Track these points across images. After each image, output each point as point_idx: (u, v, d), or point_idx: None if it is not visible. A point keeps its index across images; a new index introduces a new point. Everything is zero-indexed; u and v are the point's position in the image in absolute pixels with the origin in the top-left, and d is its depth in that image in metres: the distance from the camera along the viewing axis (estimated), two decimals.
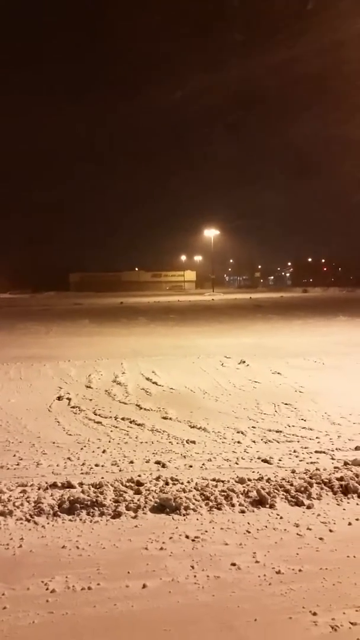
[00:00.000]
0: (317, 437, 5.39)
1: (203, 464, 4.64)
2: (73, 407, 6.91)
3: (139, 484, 4.13)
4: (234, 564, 3.03)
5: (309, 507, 3.76)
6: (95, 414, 6.54)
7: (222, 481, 4.16)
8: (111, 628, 2.50)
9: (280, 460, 4.71)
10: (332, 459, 4.73)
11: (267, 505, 3.78)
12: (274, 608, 2.63)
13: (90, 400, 7.35)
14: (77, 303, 41.86)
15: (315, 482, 4.10)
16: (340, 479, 4.13)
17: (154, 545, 3.26)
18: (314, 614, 2.58)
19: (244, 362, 10.27)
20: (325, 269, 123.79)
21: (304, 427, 5.77)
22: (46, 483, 4.19)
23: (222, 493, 3.93)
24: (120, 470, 4.53)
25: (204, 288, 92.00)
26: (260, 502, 3.82)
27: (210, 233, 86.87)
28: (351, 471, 4.32)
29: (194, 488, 4.03)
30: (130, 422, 6.12)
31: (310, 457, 4.78)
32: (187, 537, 3.36)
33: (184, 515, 3.66)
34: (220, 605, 2.66)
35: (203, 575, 2.93)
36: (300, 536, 3.36)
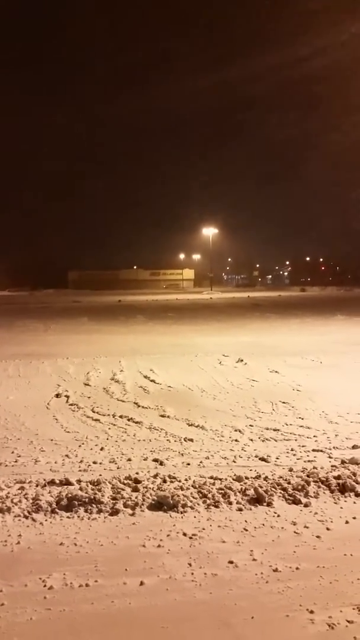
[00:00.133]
0: (314, 436, 5.40)
1: (201, 462, 4.65)
2: (71, 405, 6.91)
3: (137, 481, 4.14)
4: (231, 562, 3.04)
5: (306, 506, 3.77)
6: (94, 412, 6.54)
7: (220, 479, 4.17)
8: (109, 625, 2.51)
9: (277, 458, 4.72)
10: (330, 457, 4.74)
11: (265, 504, 3.79)
12: (271, 606, 2.64)
13: (89, 397, 7.35)
14: (75, 301, 41.84)
15: (312, 480, 4.11)
16: (338, 477, 4.14)
17: (151, 543, 3.27)
18: (311, 612, 2.59)
19: (242, 360, 10.28)
20: (323, 268, 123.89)
21: (301, 426, 5.79)
22: (44, 480, 4.20)
23: (220, 491, 3.93)
24: (118, 468, 4.53)
25: (202, 287, 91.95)
26: (257, 500, 3.83)
27: (209, 232, 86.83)
28: (348, 470, 4.33)
29: (192, 486, 4.04)
30: (128, 420, 6.13)
31: (308, 456, 4.79)
32: (184, 534, 3.37)
33: (181, 512, 3.67)
34: (218, 603, 2.67)
35: (200, 573, 2.94)
36: (298, 534, 3.37)
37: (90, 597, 2.72)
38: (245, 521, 3.54)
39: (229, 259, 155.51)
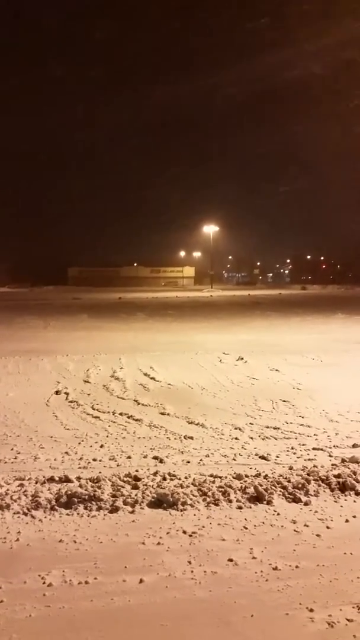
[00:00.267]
0: (314, 434, 5.40)
1: (201, 460, 4.65)
2: (71, 402, 6.91)
3: (137, 479, 4.13)
4: (231, 560, 3.03)
5: (306, 504, 3.76)
6: (93, 409, 6.53)
7: (220, 477, 4.17)
8: (108, 622, 2.51)
9: (277, 457, 4.71)
10: (330, 456, 4.74)
11: (265, 502, 3.78)
12: (270, 604, 2.64)
13: (88, 395, 7.35)
14: (75, 298, 41.80)
15: (312, 479, 4.10)
16: (338, 476, 4.14)
17: (151, 540, 3.27)
18: (311, 610, 2.58)
19: (242, 358, 10.27)
20: (324, 266, 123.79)
21: (301, 424, 5.78)
22: (44, 477, 4.19)
23: (220, 489, 3.93)
24: (117, 465, 4.53)
25: (202, 284, 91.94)
26: (257, 498, 3.82)
27: (210, 229, 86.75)
28: (349, 468, 4.32)
29: (192, 484, 4.03)
30: (128, 418, 6.12)
31: (308, 454, 4.79)
32: (184, 532, 3.36)
33: (181, 510, 3.66)
34: (217, 601, 2.67)
35: (200, 571, 2.93)
36: (298, 533, 3.37)
37: (89, 595, 2.72)
38: (245, 519, 3.54)
39: (230, 257, 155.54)
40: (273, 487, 3.96)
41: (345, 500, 3.85)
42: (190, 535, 3.32)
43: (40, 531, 3.39)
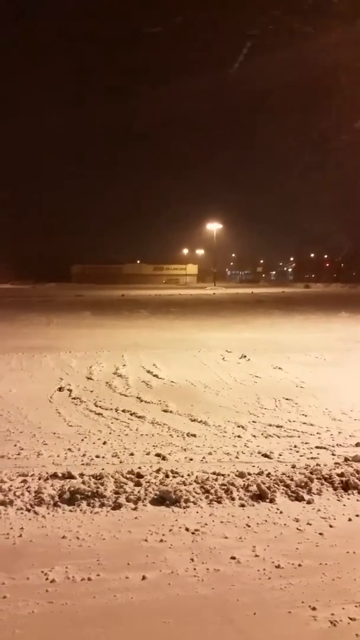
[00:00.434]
0: (317, 433, 5.39)
1: (203, 458, 4.65)
2: (74, 399, 6.92)
3: (139, 476, 4.13)
4: (233, 558, 3.03)
5: (309, 502, 3.76)
6: (96, 406, 6.54)
7: (223, 475, 4.16)
8: (111, 619, 2.51)
9: (280, 455, 4.71)
10: (333, 454, 4.73)
11: (267, 500, 3.78)
12: (273, 602, 2.64)
13: (91, 391, 7.35)
14: (78, 295, 41.84)
15: (315, 477, 4.10)
16: (341, 474, 4.13)
17: (153, 537, 3.27)
18: (313, 608, 2.58)
19: (245, 356, 10.27)
20: (327, 264, 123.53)
21: (304, 423, 5.77)
22: (47, 473, 4.20)
23: (222, 487, 3.93)
24: (120, 462, 4.53)
25: (205, 282, 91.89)
26: (260, 496, 3.82)
27: (213, 227, 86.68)
28: (352, 467, 4.32)
29: (194, 481, 4.03)
30: (131, 415, 6.12)
31: (311, 453, 4.78)
32: (187, 529, 3.36)
33: (184, 508, 3.66)
34: (220, 599, 2.67)
35: (203, 568, 2.93)
36: (300, 531, 3.36)
37: (92, 591, 2.72)
38: (248, 517, 3.54)
39: (233, 255, 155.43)
40: (276, 486, 3.96)
41: (348, 499, 3.84)
42: (192, 533, 3.32)
43: (43, 527, 3.40)
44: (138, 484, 3.99)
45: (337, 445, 5.00)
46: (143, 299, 35.80)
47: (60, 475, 4.15)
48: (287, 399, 6.87)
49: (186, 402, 6.75)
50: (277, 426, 5.64)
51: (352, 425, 5.68)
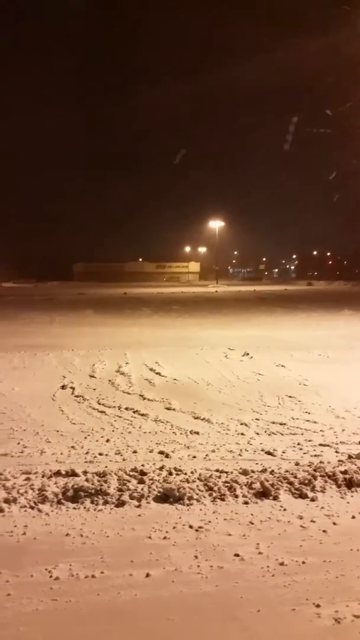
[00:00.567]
0: (321, 430, 5.38)
1: (207, 455, 4.64)
2: (77, 396, 6.92)
3: (143, 473, 4.13)
4: (237, 555, 3.03)
5: (312, 500, 3.76)
6: (99, 404, 6.54)
7: (226, 472, 4.16)
8: (114, 616, 2.51)
9: (284, 452, 4.70)
10: (337, 452, 4.72)
11: (271, 497, 3.78)
12: (277, 599, 2.63)
13: (94, 389, 7.36)
14: (80, 293, 41.87)
15: (319, 475, 4.09)
16: (344, 472, 4.12)
17: (157, 535, 3.27)
18: (317, 606, 2.58)
19: (248, 354, 10.26)
20: (330, 262, 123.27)
21: (308, 420, 5.76)
22: (50, 471, 4.20)
23: (226, 484, 3.92)
24: (123, 460, 4.53)
25: (207, 280, 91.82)
26: (263, 493, 3.82)
27: (215, 224, 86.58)
28: (355, 465, 4.31)
29: (198, 478, 4.03)
30: (134, 412, 6.13)
31: (314, 450, 4.77)
32: (190, 527, 3.36)
33: (187, 505, 3.66)
34: (224, 596, 2.66)
35: (206, 566, 2.93)
36: (304, 528, 3.36)
37: (96, 588, 2.72)
38: (251, 514, 3.53)
39: (235, 252, 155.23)
40: (279, 483, 3.96)
41: (352, 496, 3.83)
42: (196, 530, 3.32)
43: (47, 525, 3.40)
44: (141, 482, 3.99)
45: (340, 442, 4.99)
46: (145, 297, 35.80)
47: (63, 472, 4.15)
48: (290, 397, 6.86)
49: (189, 399, 6.75)
50: (281, 424, 5.63)
51: (356, 422, 5.67)
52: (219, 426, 5.56)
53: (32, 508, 3.62)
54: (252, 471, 4.17)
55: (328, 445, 4.90)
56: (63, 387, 7.50)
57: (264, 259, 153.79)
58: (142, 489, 3.86)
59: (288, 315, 20.51)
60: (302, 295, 39.00)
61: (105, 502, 3.70)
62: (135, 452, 4.74)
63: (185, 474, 4.13)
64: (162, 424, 5.67)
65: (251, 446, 4.89)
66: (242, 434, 5.29)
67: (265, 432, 5.35)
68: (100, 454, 4.67)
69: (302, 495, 3.81)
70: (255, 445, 4.91)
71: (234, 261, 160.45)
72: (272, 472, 4.17)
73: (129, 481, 3.98)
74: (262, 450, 4.77)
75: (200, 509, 3.61)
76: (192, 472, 4.16)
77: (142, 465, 4.31)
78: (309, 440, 5.05)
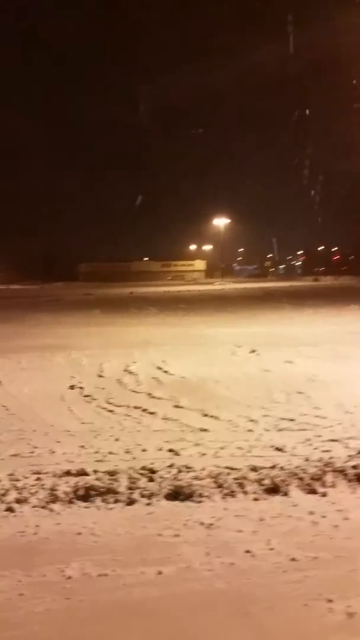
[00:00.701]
0: (330, 426, 5.36)
1: (216, 452, 4.65)
2: (85, 396, 6.94)
3: (153, 471, 4.15)
4: (248, 551, 3.03)
5: (323, 495, 3.75)
6: (108, 403, 6.56)
7: (236, 469, 4.16)
8: (128, 614, 2.52)
9: (293, 448, 4.69)
10: (346, 447, 4.70)
11: (281, 493, 3.77)
12: (289, 595, 2.63)
13: (103, 389, 7.37)
14: (87, 293, 41.94)
15: (329, 470, 4.08)
16: (355, 467, 4.11)
17: (168, 532, 3.28)
18: (330, 601, 2.57)
19: (255, 351, 10.23)
20: (336, 257, 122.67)
21: (317, 416, 5.74)
22: (61, 470, 4.22)
23: (236, 481, 3.93)
24: (133, 458, 4.54)
25: (213, 277, 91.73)
26: (273, 489, 3.82)
27: (220, 222, 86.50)
28: None
29: (208, 476, 4.03)
30: (143, 411, 6.14)
31: (324, 446, 4.76)
32: (201, 524, 3.37)
33: (197, 502, 3.67)
34: (236, 592, 2.67)
35: (218, 562, 2.93)
36: (315, 524, 3.35)
37: (108, 587, 2.73)
38: (262, 511, 3.53)
39: (240, 250, 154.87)
40: (289, 479, 3.95)
41: None
42: (207, 527, 3.33)
43: (58, 524, 3.42)
44: (151, 480, 4.00)
45: (350, 437, 4.96)
46: (152, 296, 35.83)
47: (74, 472, 4.17)
48: (298, 393, 6.84)
49: (197, 397, 6.75)
50: (290, 420, 5.61)
51: None
52: (227, 423, 5.56)
53: (44, 508, 3.64)
54: (262, 467, 4.17)
55: (338, 441, 4.88)
56: (72, 387, 7.53)
57: (270, 256, 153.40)
58: (152, 487, 3.87)
59: (295, 312, 20.43)
60: (309, 291, 38.87)
61: (116, 501, 3.71)
62: (144, 450, 4.75)
63: (195, 471, 4.14)
64: (170, 422, 5.68)
65: (260, 442, 4.89)
66: (251, 430, 5.29)
67: (274, 428, 5.34)
68: (110, 453, 4.68)
69: (313, 491, 3.81)
70: (265, 442, 4.90)
71: (239, 258, 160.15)
72: (281, 468, 4.17)
73: (139, 479, 3.99)
74: (272, 446, 4.76)
75: (211, 506, 3.62)
76: (202, 470, 4.16)
77: (152, 464, 4.32)
78: (319, 436, 5.03)
